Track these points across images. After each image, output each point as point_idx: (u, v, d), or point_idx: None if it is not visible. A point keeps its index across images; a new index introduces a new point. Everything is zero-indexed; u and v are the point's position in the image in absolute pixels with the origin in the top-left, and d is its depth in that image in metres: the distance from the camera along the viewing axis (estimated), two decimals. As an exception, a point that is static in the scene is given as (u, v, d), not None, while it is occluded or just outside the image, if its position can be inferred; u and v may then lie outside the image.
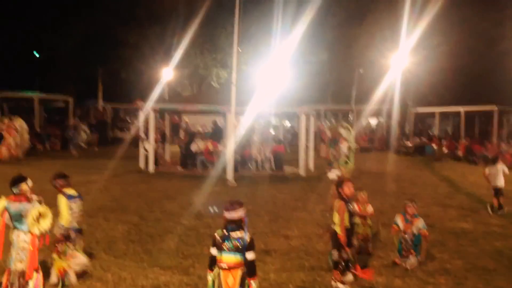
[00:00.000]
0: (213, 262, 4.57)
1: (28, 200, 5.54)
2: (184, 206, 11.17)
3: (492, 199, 11.50)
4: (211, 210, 9.36)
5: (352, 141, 16.76)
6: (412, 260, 7.03)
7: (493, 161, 11.89)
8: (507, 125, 28.38)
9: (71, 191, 6.23)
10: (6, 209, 5.41)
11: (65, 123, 28.56)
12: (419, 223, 7.14)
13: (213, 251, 4.56)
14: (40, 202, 5.56)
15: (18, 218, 5.41)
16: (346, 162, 16.36)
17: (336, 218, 6.30)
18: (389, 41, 29.49)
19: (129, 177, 15.86)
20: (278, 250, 7.88)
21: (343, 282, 6.27)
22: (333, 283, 6.31)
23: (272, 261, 7.27)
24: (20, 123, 18.65)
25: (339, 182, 6.46)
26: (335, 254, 6.31)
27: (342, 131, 16.61)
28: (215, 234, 4.58)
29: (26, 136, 19.02)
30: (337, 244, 6.30)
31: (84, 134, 23.27)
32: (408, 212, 7.23)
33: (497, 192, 11.37)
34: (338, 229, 6.28)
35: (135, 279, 6.36)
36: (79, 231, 6.30)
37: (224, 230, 4.50)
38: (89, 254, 7.33)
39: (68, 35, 33.02)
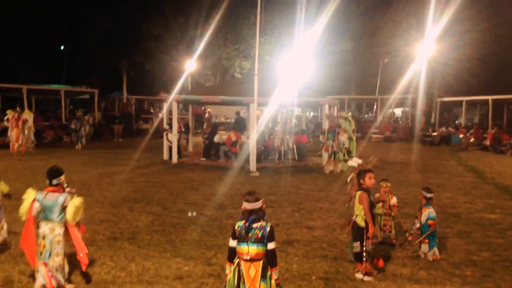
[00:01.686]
0: (232, 254, 4.54)
1: (64, 191, 5.65)
2: (207, 197, 11.22)
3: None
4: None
5: (352, 132, 15.59)
6: (423, 249, 6.98)
7: None
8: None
9: None
10: (37, 201, 5.46)
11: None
12: (426, 212, 7.07)
13: (233, 243, 4.51)
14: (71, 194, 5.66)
15: (52, 209, 5.44)
16: (346, 155, 15.46)
17: (358, 209, 6.23)
18: (414, 29, 28.99)
19: (153, 168, 16.00)
20: (301, 240, 7.84)
21: (367, 274, 6.19)
22: (356, 274, 6.24)
23: (295, 251, 7.25)
24: (28, 116, 18.59)
25: (361, 172, 6.35)
26: (357, 246, 6.24)
27: (341, 122, 15.54)
28: (235, 226, 4.55)
29: (32, 129, 18.88)
30: (359, 236, 6.21)
31: (88, 126, 23.36)
32: (419, 199, 7.43)
33: None
34: (359, 219, 6.20)
35: (159, 269, 6.41)
36: None
37: (245, 221, 4.47)
38: (114, 244, 7.46)
39: (93, 28, 33.43)
